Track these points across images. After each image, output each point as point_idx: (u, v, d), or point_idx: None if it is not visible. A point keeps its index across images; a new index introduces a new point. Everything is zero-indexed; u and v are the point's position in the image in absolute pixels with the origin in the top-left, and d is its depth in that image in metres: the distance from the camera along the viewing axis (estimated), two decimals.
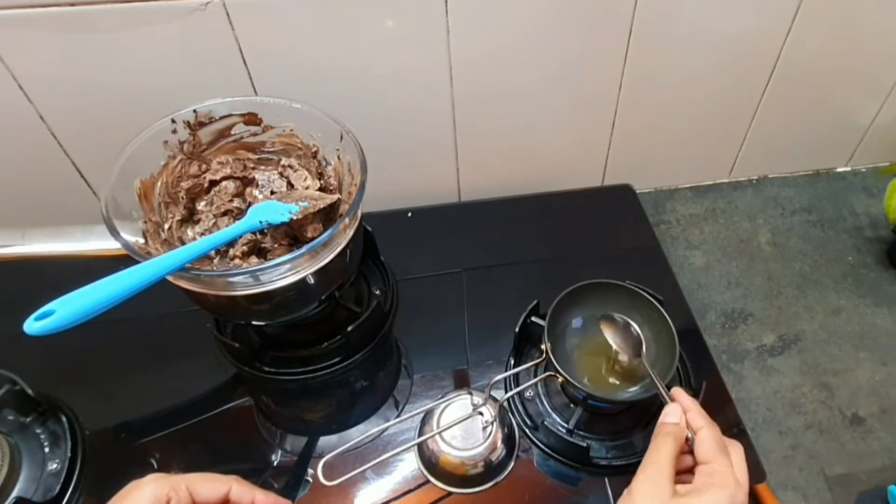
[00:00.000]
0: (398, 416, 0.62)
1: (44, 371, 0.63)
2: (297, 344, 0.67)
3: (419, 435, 0.58)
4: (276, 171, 0.63)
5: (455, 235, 0.80)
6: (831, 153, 0.97)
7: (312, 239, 0.55)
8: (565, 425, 0.60)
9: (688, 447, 0.47)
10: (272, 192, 0.62)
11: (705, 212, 0.92)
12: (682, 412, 0.48)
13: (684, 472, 0.46)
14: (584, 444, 0.57)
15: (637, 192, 0.86)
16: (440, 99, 0.74)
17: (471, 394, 0.58)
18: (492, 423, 0.57)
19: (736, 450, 0.46)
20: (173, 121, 0.58)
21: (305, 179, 0.62)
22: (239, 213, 0.60)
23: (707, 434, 0.46)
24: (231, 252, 0.57)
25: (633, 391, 0.59)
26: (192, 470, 0.44)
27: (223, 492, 0.44)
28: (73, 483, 0.56)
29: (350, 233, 0.56)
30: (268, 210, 0.55)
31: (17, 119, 0.65)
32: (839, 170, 0.99)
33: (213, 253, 0.57)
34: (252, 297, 0.53)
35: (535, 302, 0.65)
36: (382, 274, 0.73)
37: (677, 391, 0.50)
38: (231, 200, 0.61)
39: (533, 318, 0.65)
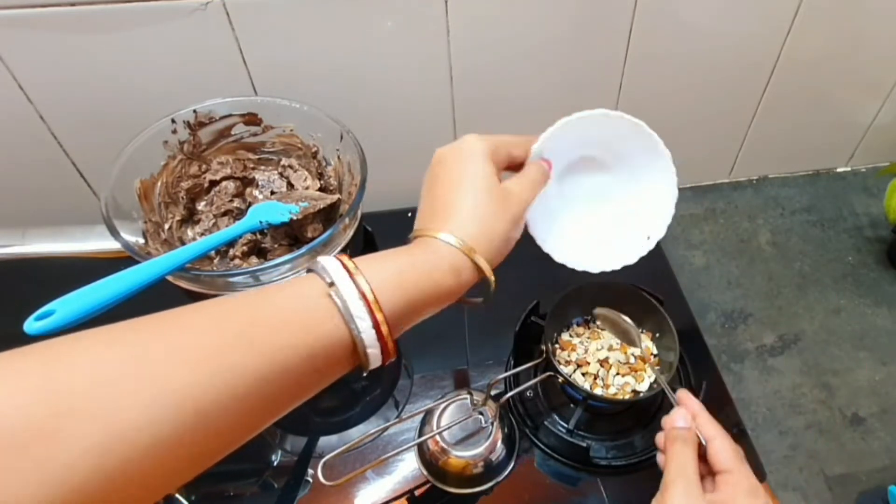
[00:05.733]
0: (398, 416, 0.62)
1: None
2: None
3: (419, 435, 0.58)
4: (276, 171, 0.63)
5: None
6: (831, 153, 0.97)
7: (312, 239, 0.55)
8: (565, 425, 0.60)
9: (700, 451, 0.46)
10: (272, 192, 0.62)
11: (705, 212, 0.92)
12: (690, 416, 0.47)
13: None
14: (584, 444, 0.57)
15: None
16: (440, 99, 0.74)
17: (471, 394, 0.58)
18: (492, 423, 0.57)
19: None
20: (173, 121, 0.58)
21: (305, 179, 0.62)
22: (239, 213, 0.60)
23: (724, 443, 0.45)
24: (231, 252, 0.57)
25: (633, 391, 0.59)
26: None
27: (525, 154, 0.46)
28: None
29: (350, 233, 0.56)
30: (268, 210, 0.55)
31: (17, 119, 0.65)
32: (839, 170, 0.99)
33: (213, 253, 0.57)
34: None
35: (535, 302, 0.65)
36: None
37: (683, 394, 0.50)
38: (231, 200, 0.61)
39: (533, 318, 0.65)
